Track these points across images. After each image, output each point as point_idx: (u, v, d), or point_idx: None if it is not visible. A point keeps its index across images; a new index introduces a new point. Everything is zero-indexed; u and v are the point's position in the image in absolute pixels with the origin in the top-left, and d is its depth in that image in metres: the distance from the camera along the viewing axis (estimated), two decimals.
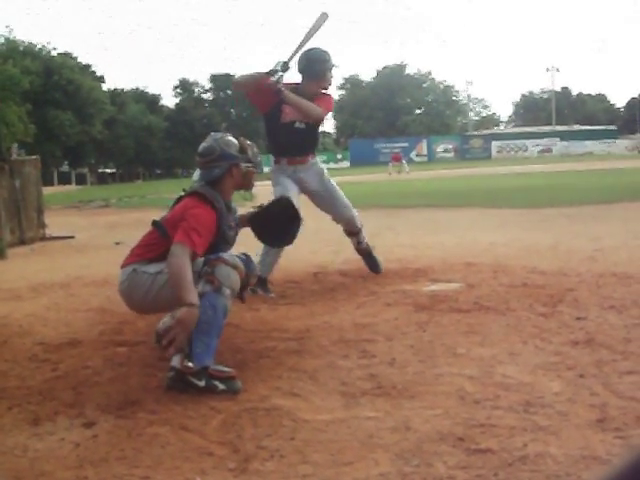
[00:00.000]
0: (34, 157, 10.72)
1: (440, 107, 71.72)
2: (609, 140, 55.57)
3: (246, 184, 3.32)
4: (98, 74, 60.60)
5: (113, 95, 60.90)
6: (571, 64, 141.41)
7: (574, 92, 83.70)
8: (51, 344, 3.61)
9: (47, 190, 14.56)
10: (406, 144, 54.30)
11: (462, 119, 77.32)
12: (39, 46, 52.06)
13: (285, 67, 4.45)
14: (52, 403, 2.74)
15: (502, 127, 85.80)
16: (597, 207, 9.74)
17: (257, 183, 3.42)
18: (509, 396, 2.51)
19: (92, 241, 9.32)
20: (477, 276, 4.81)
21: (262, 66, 4.58)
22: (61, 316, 4.32)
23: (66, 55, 55.51)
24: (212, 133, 3.34)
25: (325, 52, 4.76)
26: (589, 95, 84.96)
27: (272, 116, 4.72)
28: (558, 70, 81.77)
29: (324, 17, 4.75)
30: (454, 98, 75.67)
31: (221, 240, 3.07)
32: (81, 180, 56.21)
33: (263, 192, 3.69)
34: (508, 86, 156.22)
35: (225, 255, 2.93)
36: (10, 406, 2.74)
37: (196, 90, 72.04)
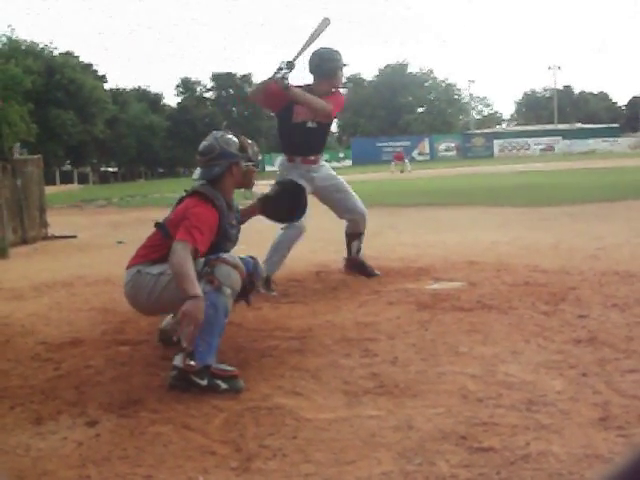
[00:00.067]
0: (36, 156, 10.72)
1: (442, 105, 71.63)
2: (611, 138, 55.37)
3: (246, 183, 3.32)
4: (100, 73, 60.69)
5: (115, 94, 60.80)
6: (573, 62, 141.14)
7: (576, 90, 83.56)
8: (53, 343, 3.61)
9: (49, 189, 14.54)
10: (408, 143, 54.16)
11: (464, 117, 77.24)
12: (41, 46, 52.08)
13: (290, 65, 4.46)
14: (54, 402, 2.74)
15: (504, 125, 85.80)
16: (599, 205, 9.72)
17: (257, 182, 3.42)
18: (511, 395, 2.51)
19: (94, 240, 9.32)
20: (479, 275, 4.81)
21: (262, 66, 4.59)
22: (63, 315, 4.32)
23: (68, 54, 55.44)
24: (213, 131, 3.34)
25: (336, 51, 4.81)
26: (591, 93, 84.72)
27: (284, 116, 4.76)
28: (560, 68, 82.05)
29: (326, 22, 4.78)
30: (456, 96, 75.61)
31: (223, 238, 3.07)
32: (83, 179, 56.14)
33: (264, 191, 3.70)
34: (510, 84, 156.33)
35: (225, 255, 2.94)
36: (12, 405, 2.75)
37: (198, 89, 72.02)
